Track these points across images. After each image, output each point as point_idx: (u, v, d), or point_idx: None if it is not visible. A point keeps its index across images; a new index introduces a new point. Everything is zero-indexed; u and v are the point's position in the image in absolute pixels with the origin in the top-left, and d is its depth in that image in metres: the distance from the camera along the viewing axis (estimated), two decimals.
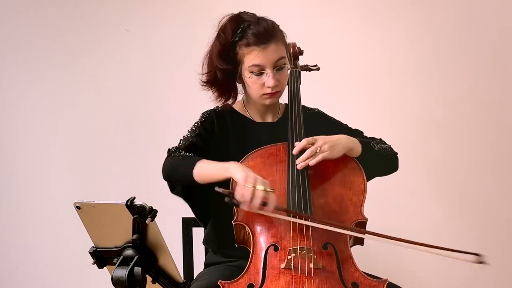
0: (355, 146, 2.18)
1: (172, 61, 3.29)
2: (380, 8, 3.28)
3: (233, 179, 2.03)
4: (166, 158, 2.19)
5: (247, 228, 2.07)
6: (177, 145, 2.23)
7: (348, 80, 3.28)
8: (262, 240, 2.05)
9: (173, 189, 2.24)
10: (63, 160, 3.37)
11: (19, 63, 3.38)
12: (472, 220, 3.28)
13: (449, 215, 3.28)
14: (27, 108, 3.38)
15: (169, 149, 2.21)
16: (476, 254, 1.93)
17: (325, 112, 2.40)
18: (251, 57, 2.16)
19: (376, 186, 2.30)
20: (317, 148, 2.09)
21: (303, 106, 2.34)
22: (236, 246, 2.13)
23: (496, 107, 3.28)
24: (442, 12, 3.28)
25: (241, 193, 1.96)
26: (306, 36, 3.11)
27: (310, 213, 2.04)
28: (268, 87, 2.17)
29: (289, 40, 2.35)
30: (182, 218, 2.55)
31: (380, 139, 2.34)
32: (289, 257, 1.96)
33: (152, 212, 1.70)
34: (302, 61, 2.47)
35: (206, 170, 2.08)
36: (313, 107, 2.40)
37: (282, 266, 1.96)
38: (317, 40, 3.21)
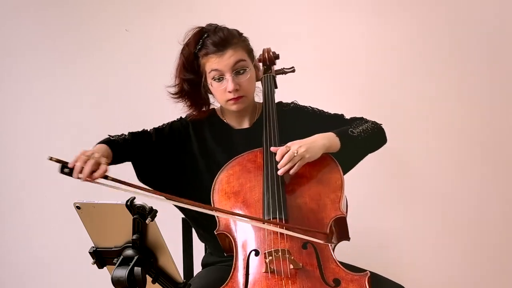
0: (333, 142, 2.18)
1: (172, 61, 3.28)
2: (371, 6, 3.28)
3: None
4: None
5: (229, 236, 2.09)
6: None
7: (337, 80, 3.28)
8: (244, 246, 2.06)
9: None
10: (63, 160, 3.37)
11: (19, 63, 3.38)
12: (461, 222, 3.28)
13: (447, 216, 3.29)
14: (27, 108, 3.38)
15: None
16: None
17: (301, 104, 2.40)
18: (209, 64, 2.23)
19: (373, 187, 2.30)
20: (294, 153, 2.09)
21: (279, 103, 2.36)
22: (226, 254, 2.15)
23: (495, 109, 3.27)
24: (435, 10, 3.28)
25: (74, 160, 2.04)
26: (303, 37, 3.14)
27: (284, 216, 2.05)
28: (229, 92, 2.21)
29: (279, 41, 2.36)
30: (182, 218, 2.55)
31: (361, 118, 2.33)
32: (266, 260, 1.96)
33: (152, 212, 1.70)
34: (296, 62, 2.47)
35: None
36: (289, 101, 2.41)
37: (263, 270, 1.97)
38: (306, 40, 3.22)
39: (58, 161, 2.03)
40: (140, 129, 2.35)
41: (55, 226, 3.34)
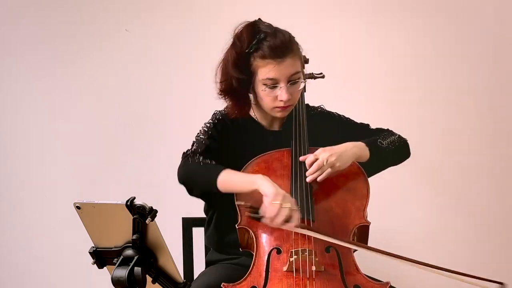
0: (363, 152, 2.17)
1: (172, 61, 3.29)
2: (378, 9, 3.28)
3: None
4: (183, 161, 2.17)
5: (250, 232, 2.08)
6: (192, 148, 2.20)
7: (347, 82, 3.27)
8: (266, 243, 2.06)
9: (191, 192, 2.21)
10: (63, 160, 3.37)
11: (19, 63, 3.37)
12: (470, 221, 3.28)
13: (446, 216, 3.29)
14: (27, 108, 3.38)
15: (184, 153, 2.19)
16: (499, 283, 1.90)
17: (328, 109, 2.39)
18: (265, 70, 2.13)
19: (374, 187, 2.30)
20: (323, 162, 2.07)
21: (307, 106, 2.35)
22: (241, 250, 2.14)
23: (494, 107, 3.28)
24: (442, 14, 3.28)
25: (268, 209, 1.96)
26: (307, 40, 3.13)
27: (312, 218, 2.05)
28: (281, 100, 2.16)
29: None
30: (182, 218, 2.55)
31: (387, 130, 2.33)
32: (291, 259, 1.96)
33: (152, 212, 1.70)
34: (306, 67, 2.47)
35: (231, 181, 2.08)
36: (317, 105, 2.40)
37: (285, 268, 1.97)
38: (317, 42, 3.21)
39: (247, 207, 1.99)
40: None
41: (55, 226, 3.33)
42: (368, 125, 2.36)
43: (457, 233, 3.27)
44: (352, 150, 2.14)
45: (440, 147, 3.28)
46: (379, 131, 2.32)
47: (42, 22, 3.36)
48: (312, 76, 2.47)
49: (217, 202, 2.25)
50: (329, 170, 2.08)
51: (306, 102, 2.36)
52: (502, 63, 3.27)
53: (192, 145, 2.21)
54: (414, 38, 3.28)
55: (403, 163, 2.36)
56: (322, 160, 2.07)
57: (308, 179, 2.09)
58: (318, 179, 2.09)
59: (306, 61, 2.42)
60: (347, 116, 2.38)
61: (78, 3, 3.36)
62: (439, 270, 1.92)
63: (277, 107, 2.19)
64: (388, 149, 2.23)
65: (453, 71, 3.28)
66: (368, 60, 3.29)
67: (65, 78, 3.36)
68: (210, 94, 2.31)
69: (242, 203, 1.99)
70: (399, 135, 2.31)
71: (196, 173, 2.14)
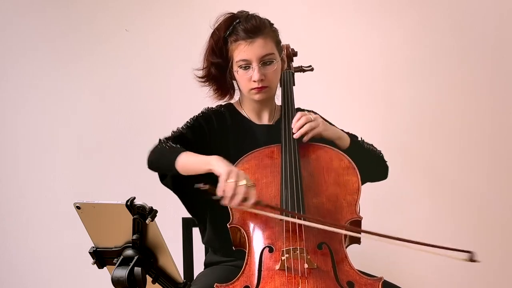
0: (344, 136, 2.27)
1: (172, 61, 3.29)
2: (376, 7, 3.28)
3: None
4: (154, 146, 2.24)
5: (242, 230, 2.08)
6: (168, 135, 2.27)
7: (343, 80, 3.28)
8: (257, 241, 2.05)
9: (163, 179, 2.27)
10: (63, 160, 3.37)
11: (20, 63, 3.38)
12: (467, 220, 3.28)
13: (443, 215, 3.29)
14: (27, 108, 3.38)
15: (159, 139, 2.25)
16: (468, 252, 1.93)
17: (320, 114, 2.39)
18: (238, 52, 2.24)
19: (371, 186, 2.31)
20: (311, 117, 2.19)
21: (298, 109, 2.37)
22: (234, 249, 2.14)
23: (492, 108, 3.28)
24: (439, 12, 3.28)
25: (223, 188, 1.97)
26: (303, 36, 3.14)
27: (303, 213, 2.05)
28: (254, 81, 2.22)
29: (285, 41, 2.36)
30: (182, 218, 2.55)
31: (372, 144, 2.37)
32: (283, 258, 1.96)
33: (152, 212, 1.70)
34: (298, 61, 2.48)
35: (188, 162, 2.11)
36: (308, 109, 2.40)
37: (277, 267, 1.96)
38: (313, 40, 3.22)
39: (204, 188, 1.97)
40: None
41: (55, 226, 3.34)
42: (356, 136, 2.37)
43: (455, 234, 3.27)
44: (336, 128, 2.28)
45: (439, 147, 3.29)
46: (366, 142, 2.38)
47: (42, 22, 3.37)
48: (301, 69, 2.49)
49: (189, 199, 2.28)
50: (314, 130, 2.18)
51: (298, 106, 2.37)
52: (501, 64, 3.27)
53: (170, 134, 2.28)
54: (413, 36, 3.28)
55: (401, 163, 2.36)
56: (309, 116, 2.19)
57: (296, 135, 2.18)
58: (304, 139, 2.18)
59: (295, 54, 2.47)
60: (342, 115, 2.41)
61: (78, 3, 3.37)
62: (411, 244, 1.96)
63: (252, 88, 2.25)
64: (368, 151, 2.31)
65: (452, 70, 3.28)
66: (368, 58, 3.29)
67: (65, 78, 3.37)
68: (210, 93, 2.33)
69: (200, 185, 1.97)
70: (382, 155, 2.37)
71: (160, 155, 2.20)
